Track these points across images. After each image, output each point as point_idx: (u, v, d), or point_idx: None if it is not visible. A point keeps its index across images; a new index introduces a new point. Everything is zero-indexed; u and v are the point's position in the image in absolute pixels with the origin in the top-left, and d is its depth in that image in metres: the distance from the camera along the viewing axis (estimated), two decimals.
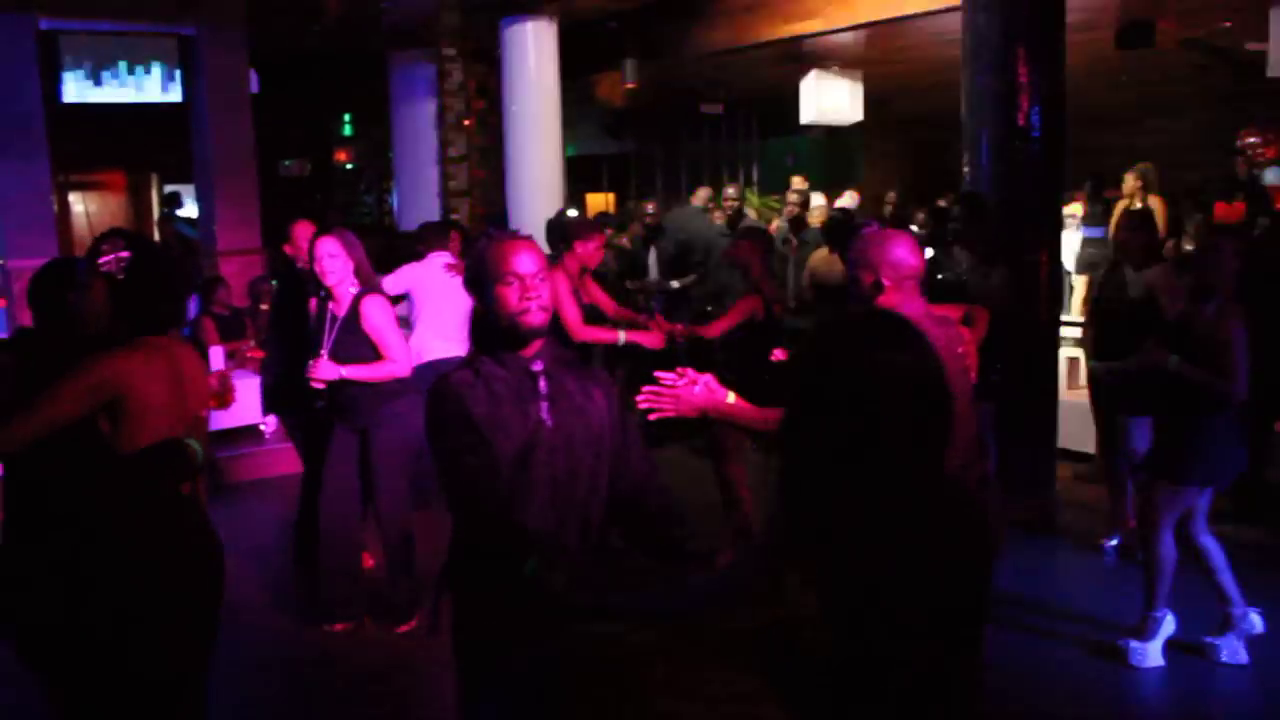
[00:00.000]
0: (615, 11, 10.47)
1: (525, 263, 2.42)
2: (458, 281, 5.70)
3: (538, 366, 2.45)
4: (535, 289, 2.40)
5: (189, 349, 3.02)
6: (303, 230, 5.18)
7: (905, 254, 3.16)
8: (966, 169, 6.07)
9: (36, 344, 2.85)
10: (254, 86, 9.15)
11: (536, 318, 2.39)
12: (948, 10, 7.61)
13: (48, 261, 2.92)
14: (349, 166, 16.72)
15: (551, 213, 10.21)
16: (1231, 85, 10.47)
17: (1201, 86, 11.14)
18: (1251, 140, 8.76)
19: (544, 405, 2.42)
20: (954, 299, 4.97)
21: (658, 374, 2.72)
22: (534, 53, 9.86)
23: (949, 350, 3.16)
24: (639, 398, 2.71)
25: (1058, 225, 6.10)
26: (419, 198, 11.19)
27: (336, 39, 11.62)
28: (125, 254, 2.79)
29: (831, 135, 14.25)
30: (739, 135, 15.41)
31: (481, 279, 2.43)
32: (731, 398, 2.75)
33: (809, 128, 14.13)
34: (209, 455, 2.98)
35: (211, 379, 3.35)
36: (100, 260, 2.79)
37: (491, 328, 2.45)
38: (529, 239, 2.51)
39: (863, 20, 8.74)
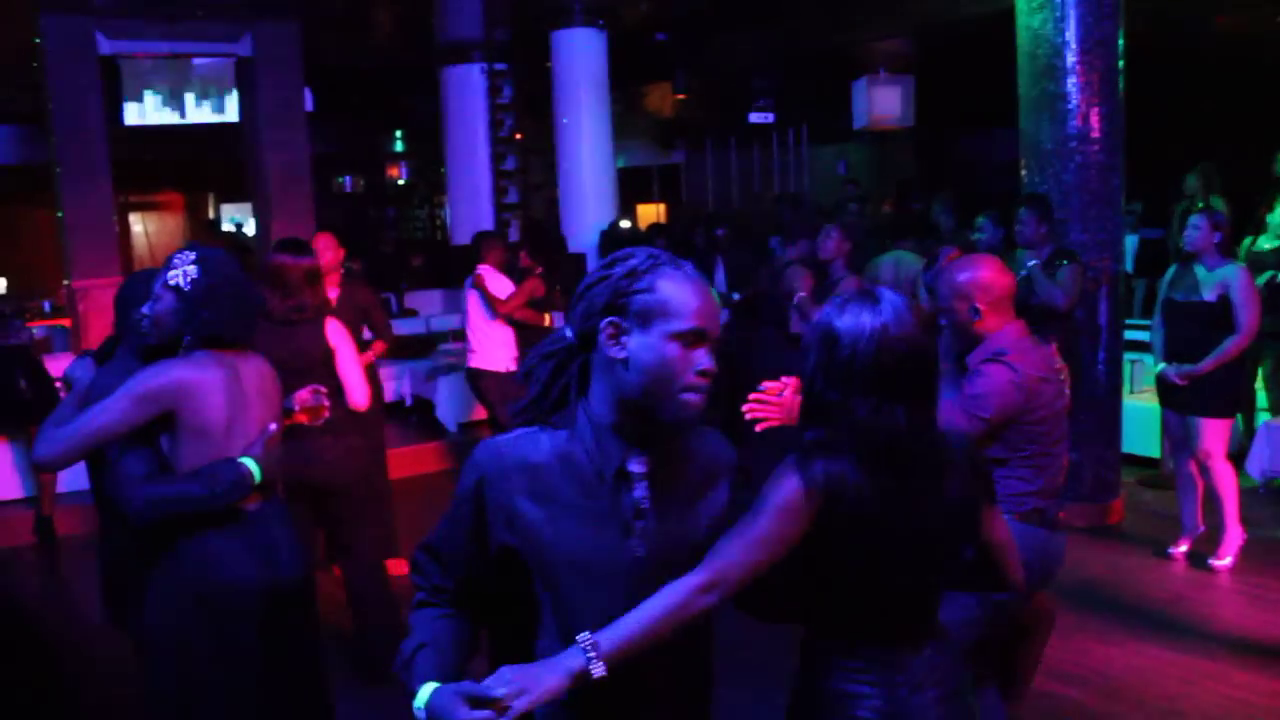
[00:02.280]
0: (664, 21, 10.51)
1: (711, 315, 1.68)
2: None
3: (637, 466, 1.73)
4: (711, 362, 1.68)
5: (259, 364, 2.92)
6: (323, 243, 5.22)
7: (994, 275, 3.15)
8: (1024, 172, 5.99)
9: (114, 356, 2.93)
10: (308, 105, 9.26)
11: (698, 402, 1.69)
12: (999, 14, 7.55)
13: (131, 274, 2.99)
14: (401, 182, 16.92)
15: (605, 223, 10.28)
16: None
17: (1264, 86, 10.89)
18: None
19: (638, 526, 1.72)
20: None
21: (764, 383, 2.69)
22: (584, 64, 9.93)
23: (1047, 370, 3.14)
24: (745, 407, 2.69)
25: (1119, 227, 5.99)
26: (472, 211, 11.26)
27: (388, 55, 11.78)
28: (193, 266, 2.75)
29: (883, 141, 14.14)
30: (789, 144, 15.34)
31: (626, 315, 1.67)
32: None
33: (859, 135, 14.07)
34: (276, 472, 2.88)
35: (304, 392, 3.23)
36: (169, 272, 2.77)
37: (609, 394, 1.72)
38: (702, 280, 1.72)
39: (916, 22, 8.68)
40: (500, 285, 6.72)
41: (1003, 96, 11.11)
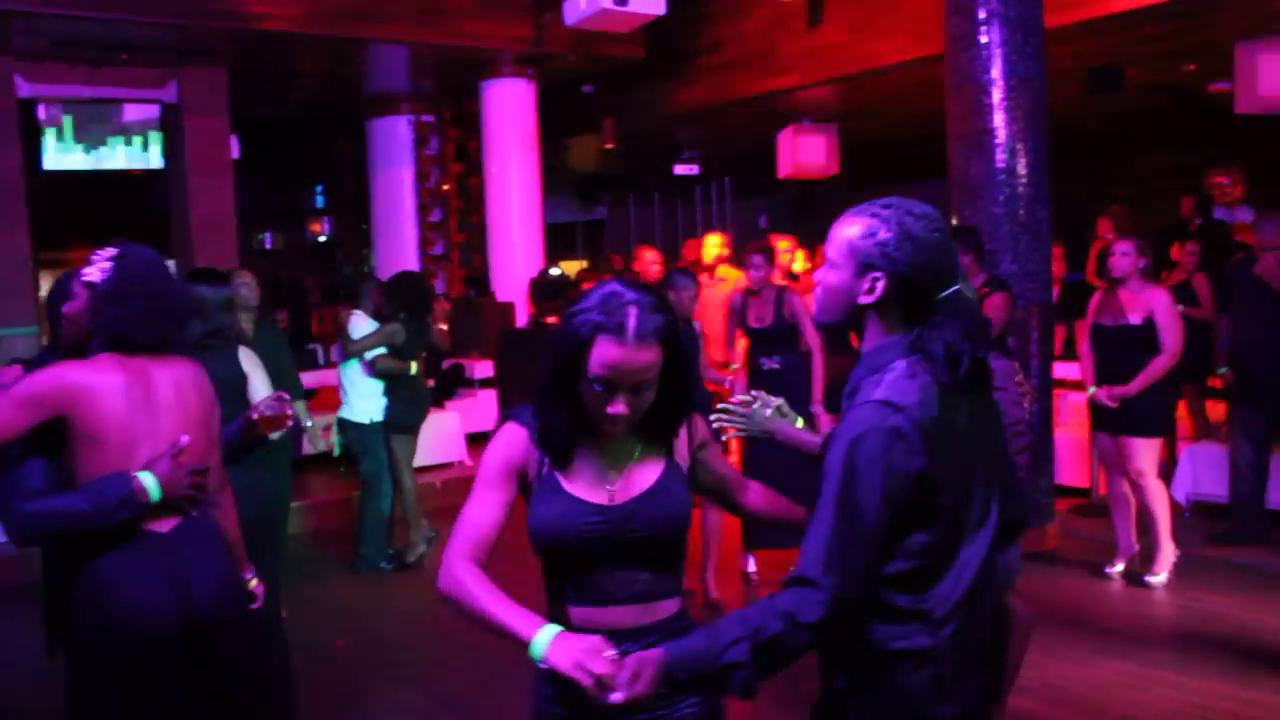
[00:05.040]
0: (592, 74, 10.64)
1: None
2: None
3: None
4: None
5: (184, 372, 2.67)
6: (245, 279, 5.25)
7: None
8: (953, 206, 6.16)
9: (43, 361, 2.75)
10: (235, 153, 9.15)
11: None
12: (925, 60, 7.83)
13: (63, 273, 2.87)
14: (322, 239, 16.72)
15: (533, 273, 10.28)
16: (1198, 126, 10.75)
17: (1168, 129, 11.43)
18: (1220, 180, 8.96)
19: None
20: None
21: (732, 399, 2.85)
22: (514, 114, 9.99)
23: (1002, 380, 3.21)
24: (713, 417, 2.81)
25: (1047, 259, 6.18)
26: (398, 263, 11.17)
27: (313, 107, 11.72)
28: (110, 263, 2.57)
29: (804, 192, 14.46)
30: (712, 197, 15.59)
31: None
32: (800, 423, 2.82)
33: (781, 188, 14.36)
34: (189, 490, 2.58)
35: (267, 400, 3.01)
36: (86, 269, 2.60)
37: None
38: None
39: (839, 74, 8.93)
40: (360, 327, 6.38)
41: (922, 149, 11.49)
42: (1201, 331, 6.55)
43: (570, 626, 1.94)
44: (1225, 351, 6.24)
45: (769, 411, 3.02)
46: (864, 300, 1.93)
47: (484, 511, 2.01)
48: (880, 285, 1.91)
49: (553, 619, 1.97)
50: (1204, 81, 9.07)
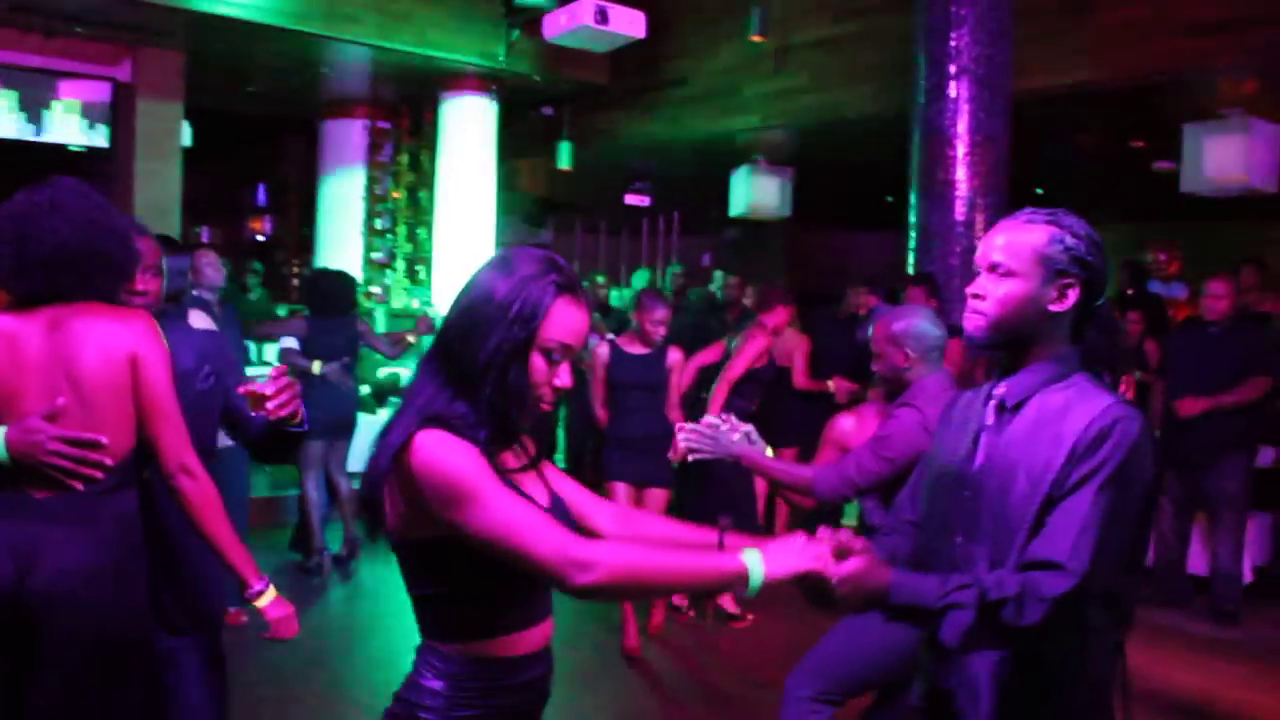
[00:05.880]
0: (552, 96, 10.62)
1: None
2: None
3: None
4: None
5: (94, 327, 2.40)
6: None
7: (926, 326, 3.32)
8: (912, 253, 6.27)
9: None
10: (186, 140, 8.94)
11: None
12: (887, 114, 7.97)
13: None
14: (260, 238, 16.39)
15: None
16: (1138, 203, 11.09)
17: (1110, 202, 11.76)
18: (1158, 256, 9.24)
19: None
20: None
21: (703, 420, 2.85)
22: (473, 130, 9.92)
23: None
24: (680, 437, 2.82)
25: None
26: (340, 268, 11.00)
27: (265, 102, 11.51)
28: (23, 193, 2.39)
29: (751, 233, 14.58)
30: (659, 231, 15.64)
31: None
32: (769, 452, 2.85)
33: (726, 227, 14.47)
34: (84, 458, 2.35)
35: (259, 385, 2.51)
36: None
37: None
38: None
39: (798, 117, 9.05)
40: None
41: (873, 200, 11.66)
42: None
43: (515, 655, 1.82)
44: (1159, 415, 6.40)
45: (736, 436, 3.07)
46: (1055, 308, 1.92)
47: (526, 501, 1.75)
48: (1073, 293, 1.91)
49: (481, 653, 1.79)
50: (1149, 160, 9.37)
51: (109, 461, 2.39)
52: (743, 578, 1.70)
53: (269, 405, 2.47)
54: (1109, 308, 2.02)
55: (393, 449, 1.72)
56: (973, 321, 1.97)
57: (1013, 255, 1.92)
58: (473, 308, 1.77)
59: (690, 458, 3.04)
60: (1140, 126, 8.58)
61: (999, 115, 6.02)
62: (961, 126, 5.95)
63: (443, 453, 1.69)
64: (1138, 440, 1.83)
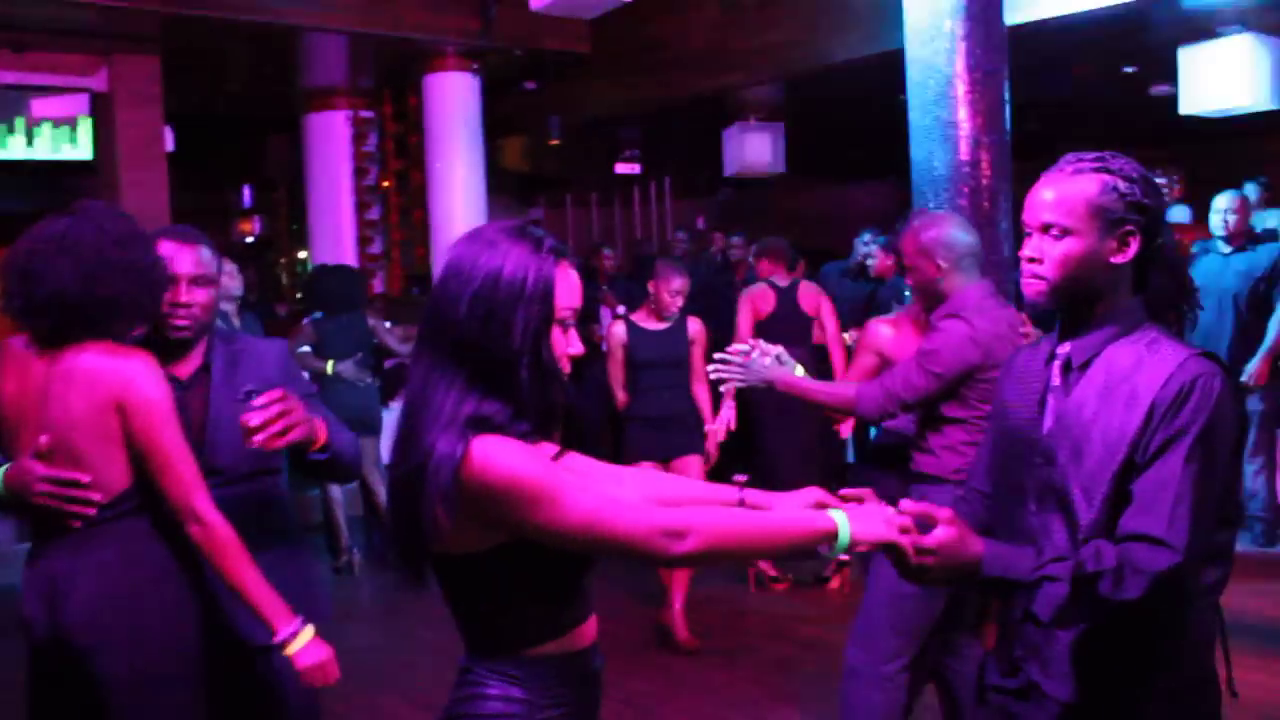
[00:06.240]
0: (534, 70, 10.48)
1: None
2: None
3: None
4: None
5: (80, 363, 2.35)
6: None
7: (957, 234, 3.23)
8: (915, 197, 6.16)
9: None
10: (169, 144, 8.81)
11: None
12: (875, 58, 7.84)
13: None
14: (250, 239, 16.28)
15: None
16: (1136, 128, 10.98)
17: (1108, 131, 11.65)
18: (1160, 181, 9.14)
19: None
20: None
21: (730, 348, 2.75)
22: (458, 108, 9.78)
23: (1008, 329, 3.18)
24: (711, 368, 2.73)
25: (1013, 252, 6.20)
26: (336, 262, 10.90)
27: (246, 101, 11.38)
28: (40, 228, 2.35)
29: (743, 193, 14.45)
30: (651, 198, 15.52)
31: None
32: (800, 371, 2.76)
33: (720, 188, 14.34)
34: (70, 496, 2.33)
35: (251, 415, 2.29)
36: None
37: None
38: None
39: (787, 69, 8.92)
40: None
41: (867, 150, 11.52)
42: None
43: (582, 648, 1.77)
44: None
45: (767, 360, 2.97)
46: (1117, 260, 1.82)
47: (596, 485, 1.71)
48: (1134, 240, 1.81)
49: (555, 651, 1.73)
50: (1145, 85, 9.25)
51: (98, 498, 2.35)
52: (832, 535, 1.66)
53: (256, 438, 2.26)
54: (1171, 246, 1.92)
55: (449, 466, 1.60)
56: (1033, 287, 1.88)
57: (1066, 212, 1.81)
58: (482, 296, 1.65)
59: (722, 389, 2.99)
60: (1135, 52, 8.45)
61: (996, 49, 5.89)
62: (960, 65, 5.82)
63: (505, 459, 1.61)
64: (1220, 395, 1.73)
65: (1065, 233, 1.81)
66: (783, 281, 6.19)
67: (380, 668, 4.72)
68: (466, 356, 1.64)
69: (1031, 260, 1.86)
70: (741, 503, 1.92)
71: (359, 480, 6.25)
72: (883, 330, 3.50)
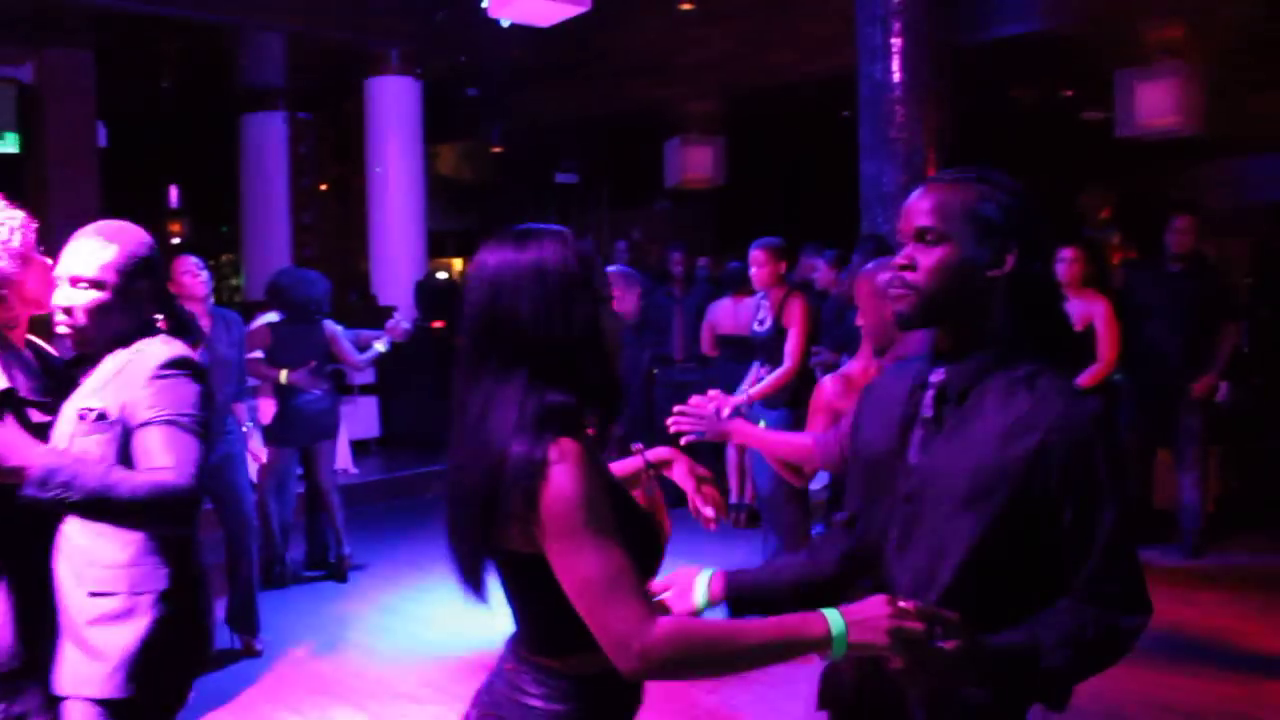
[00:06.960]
0: (476, 77, 10.43)
1: None
2: None
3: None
4: None
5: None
6: None
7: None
8: (864, 213, 6.25)
9: None
10: (102, 140, 8.58)
11: None
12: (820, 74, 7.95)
13: None
14: (175, 241, 15.91)
15: (419, 276, 9.98)
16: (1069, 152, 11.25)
17: (1043, 154, 11.92)
18: (1089, 202, 9.41)
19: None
20: None
21: (692, 398, 2.70)
22: (399, 113, 9.69)
23: None
24: (670, 420, 2.68)
25: None
26: (269, 267, 10.69)
27: (179, 100, 11.13)
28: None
29: (679, 206, 14.50)
30: (590, 206, 15.50)
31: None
32: (762, 424, 2.71)
33: (655, 200, 14.38)
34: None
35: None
36: None
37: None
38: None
39: (731, 84, 8.99)
40: None
41: (810, 164, 11.62)
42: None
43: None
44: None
45: (726, 412, 2.90)
46: (994, 274, 1.69)
47: (620, 553, 1.57)
48: (1011, 257, 1.68)
49: (596, 675, 1.65)
50: (1079, 108, 9.49)
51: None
52: (826, 642, 1.50)
53: None
54: (1050, 277, 1.80)
55: (528, 466, 1.55)
56: (903, 301, 1.73)
57: (943, 216, 1.69)
58: (536, 291, 1.62)
59: (682, 440, 2.87)
60: (1072, 76, 8.68)
61: (944, 69, 6.02)
62: (908, 82, 5.94)
63: (573, 476, 1.56)
64: (1118, 437, 1.68)
65: (941, 239, 1.70)
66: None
67: (332, 676, 4.62)
68: (523, 355, 1.61)
69: (903, 268, 1.72)
70: (647, 465, 1.91)
71: (311, 486, 6.07)
72: (830, 386, 3.41)
